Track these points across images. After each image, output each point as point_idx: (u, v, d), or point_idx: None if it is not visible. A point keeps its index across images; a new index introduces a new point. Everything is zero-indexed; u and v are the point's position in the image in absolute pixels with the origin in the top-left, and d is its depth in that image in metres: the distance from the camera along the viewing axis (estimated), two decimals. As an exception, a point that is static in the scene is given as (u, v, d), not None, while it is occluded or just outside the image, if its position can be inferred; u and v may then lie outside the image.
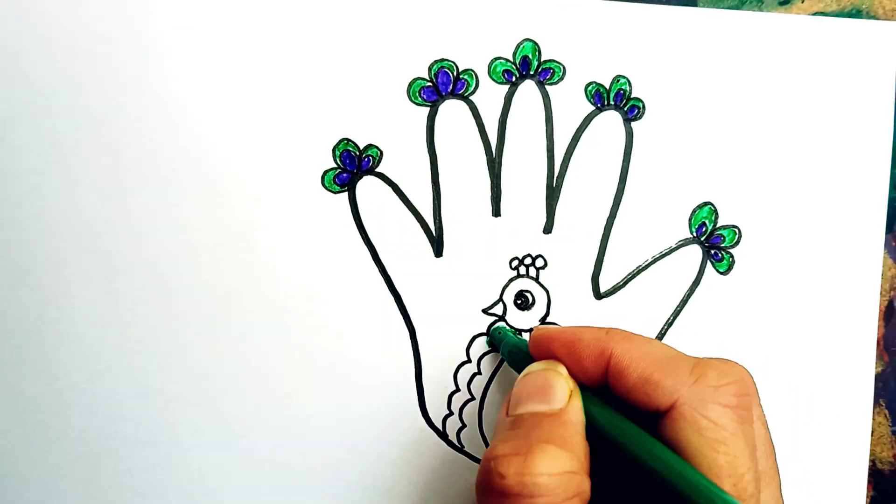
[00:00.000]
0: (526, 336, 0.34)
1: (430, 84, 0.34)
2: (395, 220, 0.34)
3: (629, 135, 0.34)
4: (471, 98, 0.34)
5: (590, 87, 0.34)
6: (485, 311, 0.34)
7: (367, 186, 0.34)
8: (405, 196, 0.34)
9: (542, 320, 0.34)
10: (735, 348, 0.35)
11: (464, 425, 0.34)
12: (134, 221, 0.33)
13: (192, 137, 0.33)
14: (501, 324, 0.34)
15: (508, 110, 0.34)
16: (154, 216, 0.33)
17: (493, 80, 0.34)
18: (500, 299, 0.34)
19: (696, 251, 0.35)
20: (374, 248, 0.34)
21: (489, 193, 0.34)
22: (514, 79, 0.34)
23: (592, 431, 0.25)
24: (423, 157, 0.34)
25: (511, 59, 0.34)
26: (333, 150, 0.33)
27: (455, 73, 0.34)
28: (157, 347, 0.33)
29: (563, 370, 0.27)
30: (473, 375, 0.34)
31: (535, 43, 0.34)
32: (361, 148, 0.34)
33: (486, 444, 0.34)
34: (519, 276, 0.34)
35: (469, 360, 0.34)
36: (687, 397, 0.24)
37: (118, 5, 0.32)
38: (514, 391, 0.27)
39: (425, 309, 0.34)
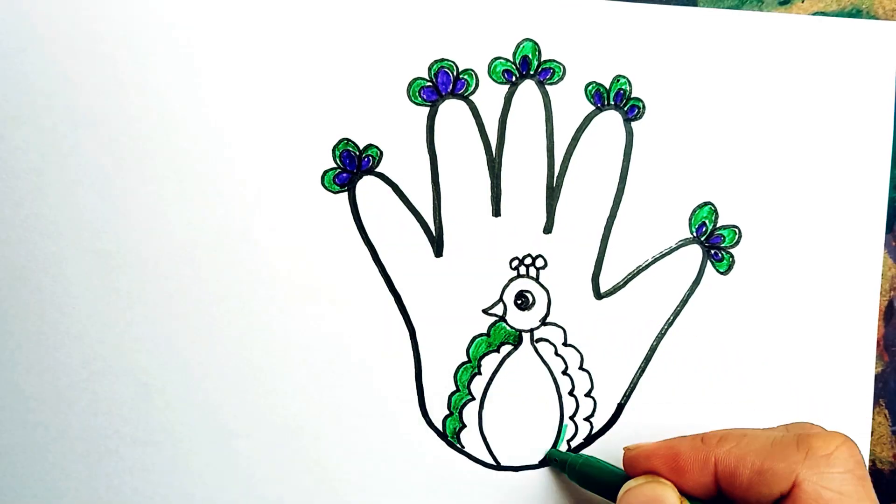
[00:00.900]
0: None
1: (430, 84, 0.34)
2: (395, 220, 0.34)
3: (629, 135, 0.34)
4: (471, 98, 0.34)
5: (590, 87, 0.34)
6: (485, 311, 0.34)
7: (367, 186, 0.34)
8: (405, 196, 0.34)
9: (543, 320, 0.34)
10: (735, 348, 0.35)
11: (464, 425, 0.34)
12: (134, 221, 0.33)
13: (192, 137, 0.33)
14: (558, 450, 0.34)
15: (508, 110, 0.34)
16: (154, 216, 0.33)
17: (493, 79, 0.34)
18: (500, 299, 0.34)
19: (696, 251, 0.35)
20: (374, 248, 0.34)
21: (489, 193, 0.34)
22: (514, 79, 0.34)
23: None
24: (423, 157, 0.34)
25: (511, 59, 0.34)
26: (333, 150, 0.33)
27: (455, 73, 0.34)
28: (157, 347, 0.33)
29: (666, 482, 0.27)
30: (473, 375, 0.34)
31: (535, 43, 0.34)
32: (361, 148, 0.34)
33: (486, 445, 0.34)
34: (519, 276, 0.34)
35: (469, 360, 0.34)
36: (805, 475, 0.25)
37: (118, 5, 0.32)
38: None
39: (425, 309, 0.34)
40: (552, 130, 0.34)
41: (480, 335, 0.34)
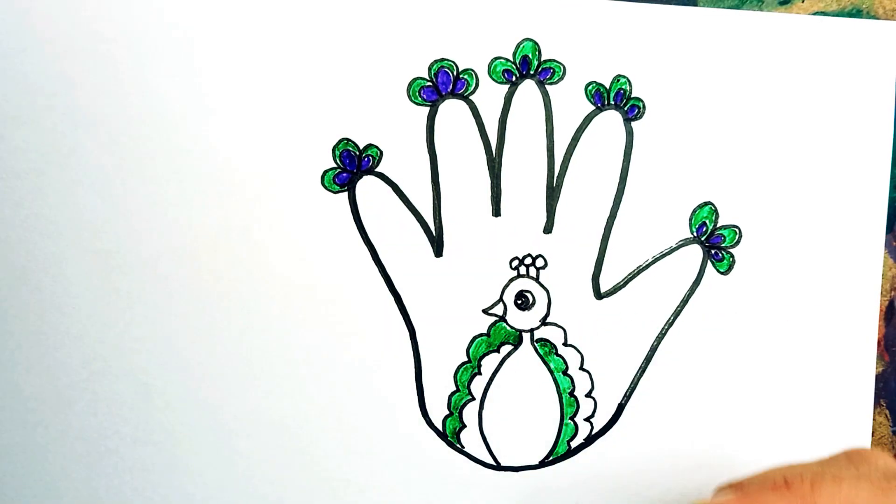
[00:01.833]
0: (527, 336, 0.34)
1: (430, 84, 0.34)
2: (395, 220, 0.34)
3: (629, 134, 0.34)
4: (471, 98, 0.34)
5: (590, 87, 0.34)
6: (485, 311, 0.34)
7: (367, 186, 0.34)
8: (405, 196, 0.34)
9: (543, 320, 0.34)
10: (735, 348, 0.35)
11: (464, 425, 0.34)
12: (134, 221, 0.33)
13: (191, 137, 0.33)
14: None
15: (508, 110, 0.34)
16: (154, 216, 0.33)
17: (493, 79, 0.34)
18: (501, 299, 0.34)
19: (696, 251, 0.35)
20: (374, 248, 0.34)
21: (489, 193, 0.34)
22: (514, 78, 0.34)
23: None
24: (423, 157, 0.34)
25: (511, 59, 0.34)
26: (333, 150, 0.33)
27: (455, 73, 0.34)
28: (157, 347, 0.33)
29: None
30: (473, 375, 0.34)
31: (536, 43, 0.34)
32: (361, 148, 0.34)
33: (486, 445, 0.34)
34: (519, 276, 0.34)
35: (469, 360, 0.34)
36: None
37: (118, 5, 0.32)
38: None
39: (425, 309, 0.34)
40: (552, 130, 0.34)
41: (480, 335, 0.34)
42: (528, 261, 0.34)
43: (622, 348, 0.35)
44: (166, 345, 0.33)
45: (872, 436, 0.36)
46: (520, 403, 0.34)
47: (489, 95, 0.34)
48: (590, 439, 0.35)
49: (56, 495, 0.33)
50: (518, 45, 0.34)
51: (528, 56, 0.34)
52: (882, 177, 0.35)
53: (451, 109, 0.34)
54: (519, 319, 0.34)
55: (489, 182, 0.34)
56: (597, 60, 0.34)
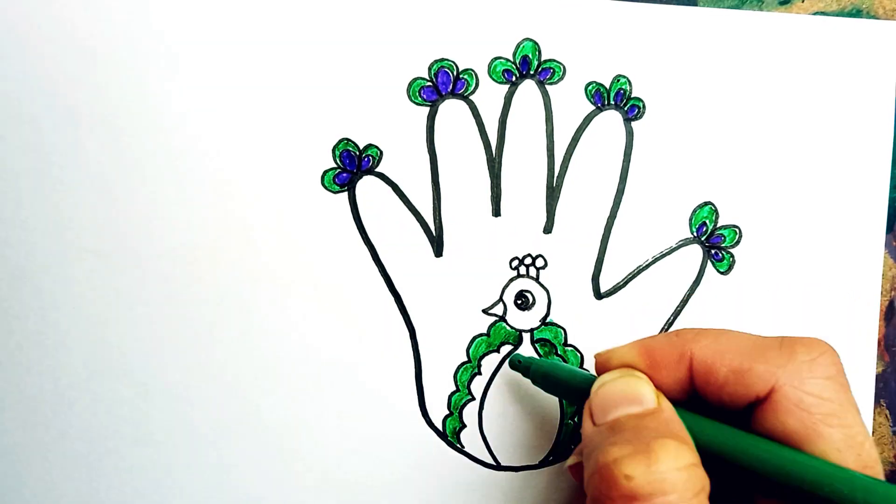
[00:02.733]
0: (526, 348, 0.34)
1: (430, 84, 0.34)
2: (395, 220, 0.34)
3: (629, 135, 0.34)
4: (471, 98, 0.34)
5: (590, 87, 0.34)
6: (485, 311, 0.34)
7: (367, 186, 0.34)
8: (405, 196, 0.34)
9: (543, 320, 0.34)
10: (735, 348, 0.35)
11: (464, 425, 0.34)
12: (134, 221, 0.33)
13: (191, 137, 0.33)
14: (519, 352, 0.33)
15: (508, 110, 0.34)
16: (154, 216, 0.33)
17: (493, 79, 0.34)
18: (500, 299, 0.34)
19: (696, 251, 0.35)
20: (374, 248, 0.34)
21: (489, 193, 0.34)
22: (514, 78, 0.34)
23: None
24: (423, 157, 0.34)
25: (511, 59, 0.34)
26: (333, 150, 0.33)
27: (455, 73, 0.34)
28: (157, 347, 0.33)
29: (641, 375, 0.26)
30: (473, 375, 0.34)
31: (536, 42, 0.34)
32: (361, 148, 0.34)
33: (486, 445, 0.34)
34: (519, 276, 0.34)
35: (469, 360, 0.34)
36: (785, 378, 0.24)
37: (118, 5, 0.32)
38: (597, 400, 0.26)
39: (425, 309, 0.34)
40: (552, 130, 0.34)
41: (480, 335, 0.34)
42: (528, 261, 0.34)
43: (622, 348, 0.35)
44: (166, 345, 0.33)
45: (873, 436, 0.36)
46: (520, 403, 0.34)
47: (489, 95, 0.34)
48: (590, 439, 0.35)
49: (56, 495, 0.33)
50: (518, 45, 0.34)
51: (528, 56, 0.34)
52: (882, 177, 0.35)
53: (451, 109, 0.34)
54: (519, 319, 0.34)
55: (489, 182, 0.34)
56: (597, 60, 0.34)
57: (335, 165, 0.33)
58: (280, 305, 0.33)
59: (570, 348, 0.34)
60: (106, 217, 0.33)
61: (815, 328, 0.35)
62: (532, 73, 0.34)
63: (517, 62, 0.34)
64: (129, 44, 0.33)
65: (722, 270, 0.35)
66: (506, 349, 0.34)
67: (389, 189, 0.34)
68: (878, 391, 0.36)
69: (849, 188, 0.35)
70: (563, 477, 0.34)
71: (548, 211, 0.34)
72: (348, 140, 0.33)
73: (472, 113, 0.34)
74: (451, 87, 0.34)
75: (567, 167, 0.34)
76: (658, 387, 0.26)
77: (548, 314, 0.34)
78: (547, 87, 0.34)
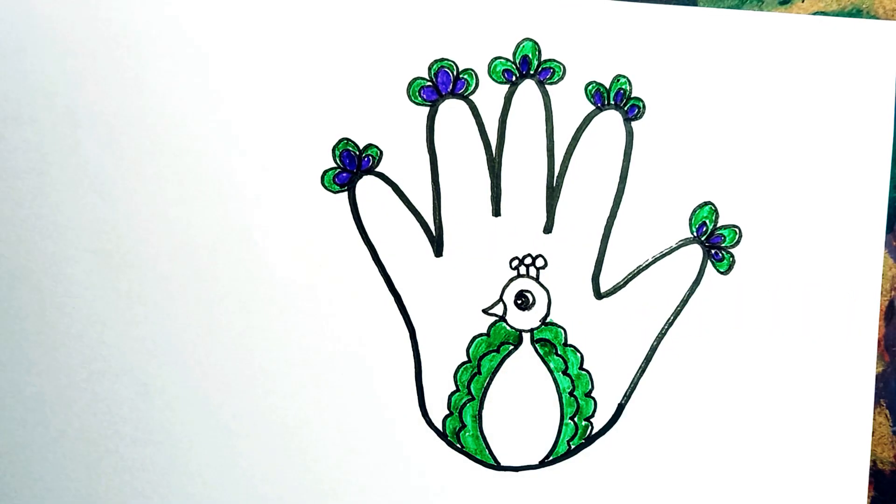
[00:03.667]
0: (526, 336, 0.34)
1: (430, 84, 0.34)
2: (395, 220, 0.34)
3: (629, 134, 0.34)
4: (471, 98, 0.34)
5: (590, 87, 0.34)
6: (485, 311, 0.34)
7: (367, 186, 0.34)
8: (405, 196, 0.34)
9: (543, 320, 0.34)
10: (735, 348, 0.35)
11: (464, 425, 0.34)
12: (134, 221, 0.33)
13: (191, 137, 0.33)
14: None
15: (508, 110, 0.34)
16: (154, 216, 0.33)
17: (493, 79, 0.34)
18: (500, 299, 0.34)
19: (696, 251, 0.35)
20: (374, 248, 0.34)
21: (489, 193, 0.34)
22: (514, 78, 0.34)
23: None
24: (423, 157, 0.34)
25: (511, 59, 0.34)
26: (333, 150, 0.33)
27: (455, 73, 0.34)
28: (157, 347, 0.33)
29: None
30: (473, 375, 0.34)
31: (535, 42, 0.34)
32: (361, 148, 0.34)
33: (486, 445, 0.34)
34: (519, 275, 0.34)
35: (469, 360, 0.34)
36: None
37: (118, 5, 0.32)
38: None
39: (425, 309, 0.34)
40: (552, 130, 0.34)
41: (480, 335, 0.34)
42: (528, 261, 0.34)
43: (622, 348, 0.35)
44: (166, 345, 0.33)
45: (872, 435, 0.36)
46: (520, 403, 0.34)
47: (489, 95, 0.34)
48: (590, 439, 0.35)
49: (56, 495, 0.33)
50: (518, 45, 0.34)
51: (528, 56, 0.34)
52: (882, 177, 0.35)
53: (451, 109, 0.34)
54: (519, 319, 0.34)
55: (489, 182, 0.34)
56: (597, 60, 0.34)
57: (335, 165, 0.33)
58: (280, 305, 0.33)
59: (570, 348, 0.34)
60: (106, 217, 0.33)
61: (814, 328, 0.35)
62: (532, 73, 0.34)
63: (517, 62, 0.34)
64: (129, 44, 0.33)
65: (722, 270, 0.35)
66: (506, 349, 0.34)
67: (389, 189, 0.34)
68: (878, 391, 0.36)
69: (849, 188, 0.35)
70: (562, 477, 0.34)
71: (548, 211, 0.34)
72: (348, 140, 0.33)
73: (472, 113, 0.34)
74: (451, 87, 0.34)
75: (567, 167, 0.34)
76: None
77: (548, 314, 0.34)
78: (547, 86, 0.34)
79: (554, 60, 0.34)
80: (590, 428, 0.35)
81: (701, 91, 0.35)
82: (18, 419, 0.33)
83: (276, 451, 0.33)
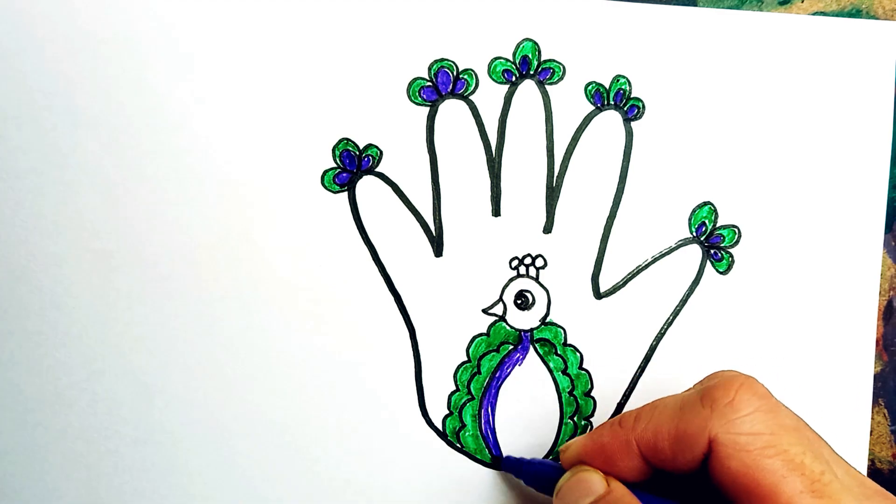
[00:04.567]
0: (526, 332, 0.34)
1: (430, 84, 0.34)
2: (395, 220, 0.34)
3: (629, 135, 0.34)
4: (471, 98, 0.34)
5: (590, 87, 0.34)
6: (485, 311, 0.34)
7: (367, 186, 0.34)
8: (405, 196, 0.34)
9: (543, 320, 0.34)
10: (734, 348, 0.35)
11: (464, 425, 0.34)
12: (134, 221, 0.33)
13: (191, 137, 0.33)
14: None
15: (508, 110, 0.34)
16: (154, 216, 0.33)
17: (493, 79, 0.34)
18: (500, 299, 0.34)
19: (695, 251, 0.35)
20: (374, 248, 0.34)
21: (489, 193, 0.34)
22: (513, 78, 0.34)
23: None
24: (423, 157, 0.34)
25: (511, 59, 0.34)
26: (333, 150, 0.33)
27: (455, 73, 0.34)
28: (157, 347, 0.33)
29: (589, 469, 0.28)
30: (473, 375, 0.34)
31: (535, 43, 0.34)
32: (361, 148, 0.34)
33: (486, 444, 0.34)
34: (519, 275, 0.34)
35: (469, 360, 0.34)
36: (716, 428, 0.25)
37: (118, 5, 0.32)
38: (560, 502, 0.28)
39: (425, 309, 0.34)
40: (552, 130, 0.34)
41: (480, 335, 0.34)
42: (527, 261, 0.34)
43: (621, 348, 0.35)
44: (166, 345, 0.33)
45: (871, 435, 0.36)
46: (520, 403, 0.34)
47: (489, 95, 0.34)
48: (589, 439, 0.35)
49: (56, 495, 0.33)
50: (518, 45, 0.34)
51: (527, 56, 0.34)
52: (881, 177, 0.35)
53: (451, 109, 0.34)
54: (519, 319, 0.34)
55: (489, 182, 0.34)
56: (597, 60, 0.34)
57: (335, 165, 0.33)
58: (280, 305, 0.33)
59: (569, 348, 0.35)
60: (106, 217, 0.33)
61: (813, 328, 0.35)
62: (532, 73, 0.34)
63: (517, 62, 0.34)
64: (129, 44, 0.32)
65: (721, 270, 0.35)
66: (505, 349, 0.34)
67: (389, 189, 0.34)
68: (877, 390, 0.36)
69: (848, 188, 0.35)
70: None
71: (548, 211, 0.34)
72: (348, 140, 0.33)
73: (472, 113, 0.34)
74: (451, 87, 0.34)
75: (567, 167, 0.34)
76: (618, 476, 0.28)
77: (547, 314, 0.34)
78: (547, 87, 0.34)
79: (554, 60, 0.34)
80: (589, 427, 0.35)
81: (700, 91, 0.35)
82: (18, 419, 0.33)
83: (276, 451, 0.33)
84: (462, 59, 0.34)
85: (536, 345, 0.34)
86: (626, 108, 0.34)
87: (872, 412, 0.36)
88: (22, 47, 0.32)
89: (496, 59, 0.34)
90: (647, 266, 0.35)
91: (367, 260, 0.34)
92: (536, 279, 0.34)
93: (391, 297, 0.34)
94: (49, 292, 0.33)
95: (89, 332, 0.33)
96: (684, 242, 0.35)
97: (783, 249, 0.35)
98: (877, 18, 0.35)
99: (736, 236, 0.35)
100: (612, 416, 0.35)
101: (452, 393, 0.34)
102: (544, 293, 0.34)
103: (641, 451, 0.27)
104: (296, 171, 0.33)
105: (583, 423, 0.35)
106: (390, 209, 0.34)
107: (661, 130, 0.35)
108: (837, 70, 0.35)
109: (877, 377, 0.36)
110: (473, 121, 0.34)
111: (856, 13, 0.35)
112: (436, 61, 0.34)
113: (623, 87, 0.34)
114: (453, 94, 0.34)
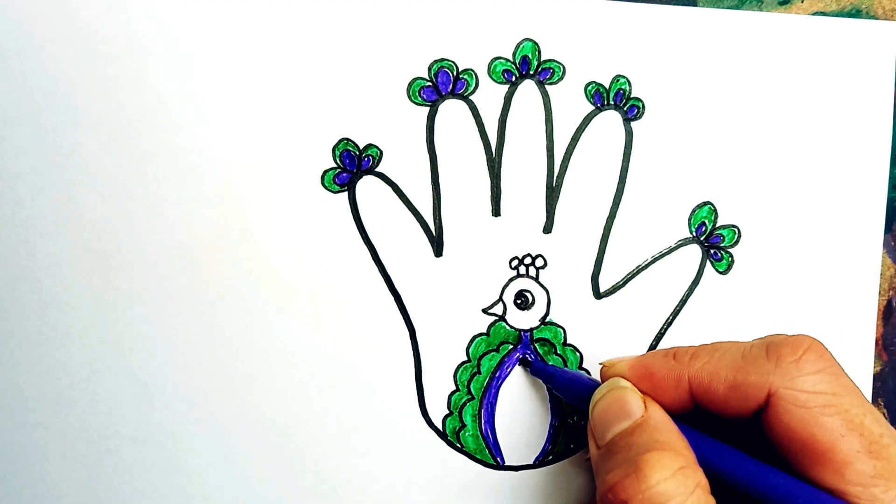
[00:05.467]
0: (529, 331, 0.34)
1: (430, 84, 0.34)
2: (395, 220, 0.34)
3: (629, 135, 0.34)
4: (471, 98, 0.34)
5: (590, 87, 0.34)
6: (485, 310, 0.34)
7: (367, 186, 0.34)
8: (405, 196, 0.34)
9: (542, 320, 0.34)
10: (734, 348, 0.35)
11: (464, 425, 0.34)
12: (134, 221, 0.33)
13: (191, 137, 0.33)
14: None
15: (508, 110, 0.34)
16: (154, 216, 0.33)
17: (493, 79, 0.34)
18: (500, 299, 0.34)
19: (695, 251, 0.35)
20: (373, 248, 0.34)
21: (489, 193, 0.34)
22: (513, 78, 0.34)
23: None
24: (423, 157, 0.34)
25: (511, 59, 0.34)
26: (333, 150, 0.33)
27: (455, 73, 0.34)
28: (157, 347, 0.33)
29: (625, 383, 0.28)
30: (473, 375, 0.34)
31: (535, 43, 0.34)
32: (361, 148, 0.34)
33: (486, 444, 0.34)
34: (519, 275, 0.34)
35: (469, 360, 0.34)
36: (778, 381, 0.25)
37: (118, 5, 0.32)
38: (594, 422, 0.28)
39: (425, 309, 0.34)
40: (552, 130, 0.34)
41: (480, 335, 0.34)
42: (527, 261, 0.34)
43: (621, 348, 0.35)
44: (166, 345, 0.33)
45: (870, 435, 0.36)
46: (520, 403, 0.34)
47: (489, 95, 0.34)
48: (589, 438, 0.35)
49: (56, 495, 0.33)
50: (518, 45, 0.34)
51: (527, 56, 0.34)
52: (881, 177, 0.35)
53: (451, 109, 0.34)
54: (518, 319, 0.34)
55: (489, 182, 0.34)
56: (596, 60, 0.34)
57: (335, 165, 0.33)
58: (280, 305, 0.33)
59: (569, 347, 0.35)
60: (106, 217, 0.33)
61: (813, 327, 0.35)
62: (532, 73, 0.34)
63: (517, 62, 0.34)
64: (129, 44, 0.32)
65: (721, 270, 0.35)
66: (505, 348, 0.34)
67: (389, 189, 0.34)
68: (876, 390, 0.36)
69: (847, 188, 0.35)
70: (562, 476, 0.34)
71: (547, 211, 0.34)
72: (348, 140, 0.33)
73: (472, 113, 0.34)
74: (451, 87, 0.34)
75: (567, 167, 0.34)
76: (662, 403, 0.27)
77: (547, 314, 0.34)
78: (547, 87, 0.34)
79: (554, 60, 0.34)
80: (588, 428, 0.35)
81: (700, 91, 0.35)
82: (18, 419, 0.33)
83: (276, 451, 0.33)
84: (462, 59, 0.34)
85: (536, 345, 0.34)
86: (625, 108, 0.34)
87: (872, 412, 0.36)
88: (22, 47, 0.32)
89: (496, 59, 0.34)
90: (646, 266, 0.35)
91: (367, 260, 0.34)
92: (536, 279, 0.34)
93: (391, 297, 0.34)
94: (49, 292, 0.33)
95: (89, 332, 0.33)
96: (684, 242, 0.35)
97: (783, 249, 0.35)
98: (877, 18, 0.35)
99: (736, 236, 0.35)
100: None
101: (452, 393, 0.34)
102: (544, 293, 0.34)
103: (693, 388, 0.27)
104: (296, 170, 0.33)
105: (582, 423, 0.35)
106: (390, 209, 0.34)
107: (661, 130, 0.35)
108: (837, 70, 0.35)
109: (876, 377, 0.36)
110: (473, 121, 0.34)
111: (856, 13, 0.35)
112: (436, 61, 0.34)
113: (623, 87, 0.34)
114: (453, 94, 0.34)
